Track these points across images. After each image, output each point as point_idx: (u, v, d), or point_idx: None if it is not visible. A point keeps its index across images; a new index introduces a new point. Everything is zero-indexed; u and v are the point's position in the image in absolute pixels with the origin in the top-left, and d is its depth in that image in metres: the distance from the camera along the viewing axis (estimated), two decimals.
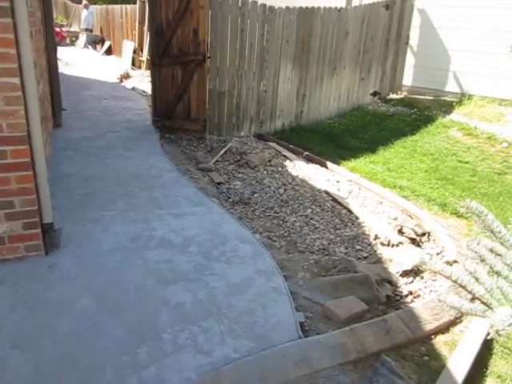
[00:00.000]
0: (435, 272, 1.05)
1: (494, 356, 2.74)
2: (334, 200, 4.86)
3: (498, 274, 1.12)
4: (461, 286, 1.03)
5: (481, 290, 1.02)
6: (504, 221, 1.41)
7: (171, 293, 2.94)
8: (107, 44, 16.20)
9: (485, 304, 1.00)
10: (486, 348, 2.78)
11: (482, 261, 1.16)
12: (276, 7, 6.78)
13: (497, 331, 0.88)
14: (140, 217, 3.92)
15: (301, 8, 7.16)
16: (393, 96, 10.23)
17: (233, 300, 2.91)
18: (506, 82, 8.75)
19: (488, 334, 2.85)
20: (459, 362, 2.54)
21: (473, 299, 1.07)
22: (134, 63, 13.19)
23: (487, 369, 2.63)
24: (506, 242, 1.23)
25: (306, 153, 6.36)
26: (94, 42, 17.16)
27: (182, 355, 2.45)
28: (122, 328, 2.62)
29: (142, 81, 10.92)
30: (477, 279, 1.05)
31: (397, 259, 3.62)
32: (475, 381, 2.53)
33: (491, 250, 1.20)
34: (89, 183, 4.56)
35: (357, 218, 4.44)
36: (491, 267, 1.14)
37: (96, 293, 2.90)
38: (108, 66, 13.16)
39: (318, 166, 6.04)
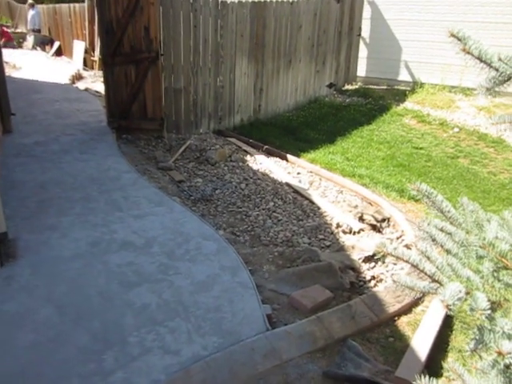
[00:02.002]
0: (388, 254, 1.09)
1: (454, 332, 2.86)
2: (296, 192, 4.91)
3: (448, 252, 1.16)
4: (412, 265, 1.07)
5: (432, 268, 1.06)
6: (457, 202, 1.47)
7: (136, 295, 2.89)
8: (57, 45, 15.63)
9: (436, 281, 1.04)
10: (447, 325, 2.90)
11: (433, 240, 1.20)
12: (228, 1, 6.75)
13: (447, 306, 0.92)
14: (100, 220, 3.83)
15: (253, 2, 7.16)
16: (348, 87, 10.41)
17: (199, 298, 2.89)
18: (454, 70, 9.08)
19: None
20: (422, 341, 2.64)
21: (430, 279, 1.11)
22: (86, 63, 12.80)
23: (448, 345, 2.75)
24: (455, 220, 1.28)
25: (266, 146, 6.39)
26: (43, 42, 16.52)
27: (150, 357, 2.42)
28: (86, 335, 2.56)
29: (96, 81, 10.63)
30: (428, 258, 1.09)
31: (359, 246, 3.71)
32: (438, 357, 2.63)
33: (441, 230, 1.24)
34: (44, 189, 4.41)
35: (318, 208, 4.50)
36: (442, 246, 1.18)
37: (57, 301, 2.82)
38: (59, 67, 12.72)
39: (278, 159, 6.08)
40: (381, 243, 1.08)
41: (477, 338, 0.95)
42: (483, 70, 1.20)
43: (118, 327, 2.62)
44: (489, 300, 1.00)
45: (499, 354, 0.79)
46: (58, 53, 15.50)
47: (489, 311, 0.97)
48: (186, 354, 2.44)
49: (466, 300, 1.04)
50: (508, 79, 1.14)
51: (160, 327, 2.63)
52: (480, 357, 1.00)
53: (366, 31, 10.50)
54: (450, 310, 0.91)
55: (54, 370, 2.32)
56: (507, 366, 0.90)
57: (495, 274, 1.13)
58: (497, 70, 1.13)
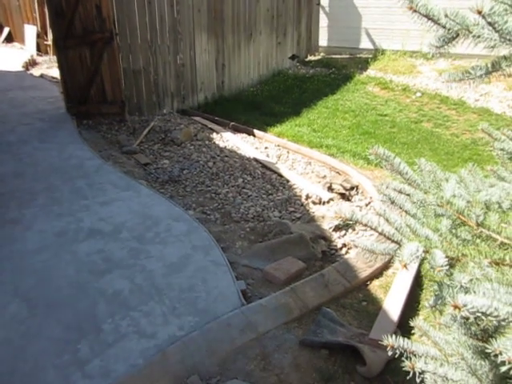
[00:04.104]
0: (346, 220, 1.09)
1: (424, 291, 2.95)
2: (264, 166, 4.90)
3: (407, 212, 1.18)
4: (371, 228, 1.08)
5: (391, 229, 1.07)
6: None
7: (107, 282, 2.84)
8: (6, 30, 14.85)
9: (396, 242, 1.05)
10: (417, 284, 2.99)
11: (392, 202, 1.21)
12: None
13: (405, 265, 0.93)
14: (65, 210, 3.73)
15: None
16: (311, 58, 10.35)
17: (172, 279, 2.87)
18: (414, 35, 9.13)
19: (419, 271, 3.06)
20: (394, 302, 2.71)
21: (390, 240, 1.12)
22: (40, 48, 12.25)
23: (419, 303, 2.84)
24: (414, 182, 1.29)
25: (232, 123, 6.32)
26: None
27: (126, 343, 2.39)
28: (58, 327, 2.51)
29: (51, 67, 10.20)
30: (387, 220, 1.10)
31: (329, 215, 3.75)
32: (410, 316, 2.71)
33: (400, 191, 1.25)
34: (3, 182, 4.24)
35: (287, 181, 4.51)
36: (401, 207, 1.19)
37: (26, 295, 2.74)
38: (10, 54, 12.13)
39: (245, 135, 6.03)
40: (339, 209, 1.07)
41: (437, 293, 0.97)
42: (432, 29, 1.19)
43: (91, 316, 2.58)
44: (447, 256, 1.02)
45: (455, 307, 0.81)
46: (9, 39, 14.75)
47: (447, 267, 0.99)
48: (162, 336, 2.43)
49: (425, 258, 1.06)
50: (456, 36, 1.13)
51: (134, 312, 2.60)
52: (440, 312, 1.02)
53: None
54: (407, 268, 0.92)
55: (28, 364, 2.27)
56: (466, 319, 0.92)
57: (453, 231, 1.15)
58: (444, 27, 1.12)
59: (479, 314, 0.81)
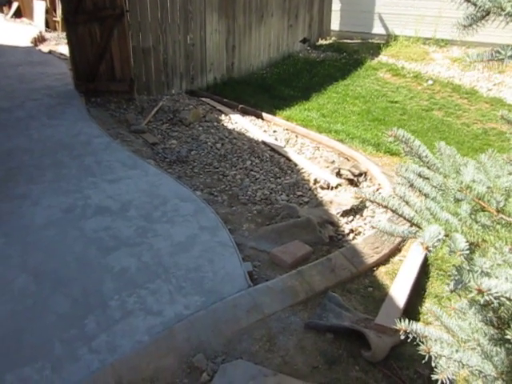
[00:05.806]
0: (366, 199, 1.08)
1: (430, 279, 2.94)
2: (272, 150, 4.87)
3: (426, 196, 1.16)
4: (391, 210, 1.06)
5: (411, 212, 1.05)
6: (433, 150, 1.45)
7: (114, 259, 2.85)
8: (15, 5, 14.72)
9: (415, 225, 1.03)
10: (424, 272, 2.98)
11: (411, 185, 1.19)
12: None
13: (427, 247, 0.92)
14: (72, 186, 3.72)
15: None
16: (322, 42, 10.21)
17: (179, 259, 2.87)
18: (428, 21, 8.97)
19: (426, 259, 3.05)
20: (400, 289, 2.71)
21: (409, 223, 1.10)
22: (49, 25, 12.15)
23: (425, 291, 2.83)
24: (433, 165, 1.26)
25: (241, 105, 6.26)
26: (0, 4, 15.53)
27: (133, 319, 2.41)
28: (66, 301, 2.52)
29: (59, 43, 10.13)
30: (407, 203, 1.08)
31: (336, 200, 3.72)
32: (416, 303, 2.71)
33: (419, 175, 1.23)
34: (11, 157, 4.24)
35: (296, 165, 4.48)
36: (420, 191, 1.17)
37: (33, 270, 2.76)
38: (19, 29, 12.04)
39: (253, 117, 5.98)
40: (359, 190, 1.05)
41: (456, 278, 0.95)
42: (461, 7, 1.15)
43: (98, 292, 2.59)
44: (467, 241, 1.00)
45: (479, 291, 0.79)
46: (18, 14, 14.62)
47: (467, 252, 0.97)
48: (168, 314, 2.44)
49: (444, 242, 1.04)
50: (486, 14, 1.09)
51: (141, 290, 2.61)
52: (459, 296, 1.01)
53: None
54: (429, 251, 0.90)
55: (35, 337, 2.29)
56: (485, 305, 0.91)
57: (473, 216, 1.13)
58: (475, 4, 1.08)
59: (503, 299, 0.79)
